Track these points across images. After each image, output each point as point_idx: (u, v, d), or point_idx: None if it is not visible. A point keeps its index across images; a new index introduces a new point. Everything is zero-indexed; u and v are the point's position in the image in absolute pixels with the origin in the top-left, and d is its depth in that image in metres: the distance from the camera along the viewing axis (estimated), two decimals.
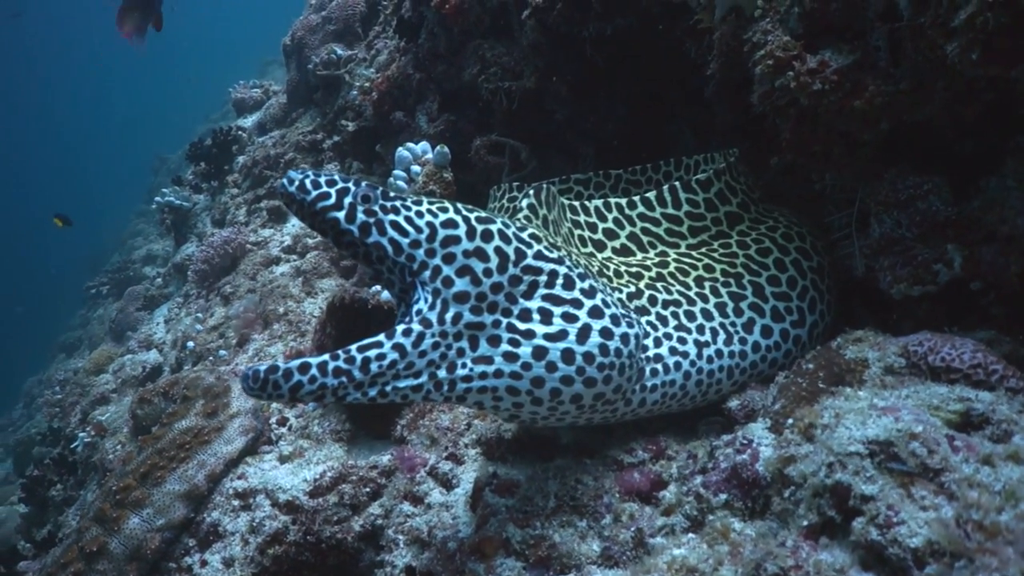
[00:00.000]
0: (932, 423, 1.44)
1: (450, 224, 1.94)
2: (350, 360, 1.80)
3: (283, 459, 3.24)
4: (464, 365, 1.92)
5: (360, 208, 1.88)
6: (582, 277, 2.06)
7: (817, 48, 2.00)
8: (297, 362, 1.76)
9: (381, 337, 1.85)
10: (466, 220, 1.96)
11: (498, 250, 1.95)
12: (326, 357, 1.79)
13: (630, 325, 2.07)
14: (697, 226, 2.55)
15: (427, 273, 1.90)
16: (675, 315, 2.26)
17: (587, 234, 2.44)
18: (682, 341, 2.21)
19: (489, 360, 1.93)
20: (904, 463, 1.36)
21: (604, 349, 1.98)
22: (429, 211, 1.95)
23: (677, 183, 2.55)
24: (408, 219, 1.92)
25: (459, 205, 2.03)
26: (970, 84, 1.84)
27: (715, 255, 2.49)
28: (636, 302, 2.24)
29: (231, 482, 3.12)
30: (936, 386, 1.64)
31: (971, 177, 2.02)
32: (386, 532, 2.72)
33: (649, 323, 2.22)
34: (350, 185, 1.90)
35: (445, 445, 2.91)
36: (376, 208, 1.90)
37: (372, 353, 1.82)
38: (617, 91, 3.87)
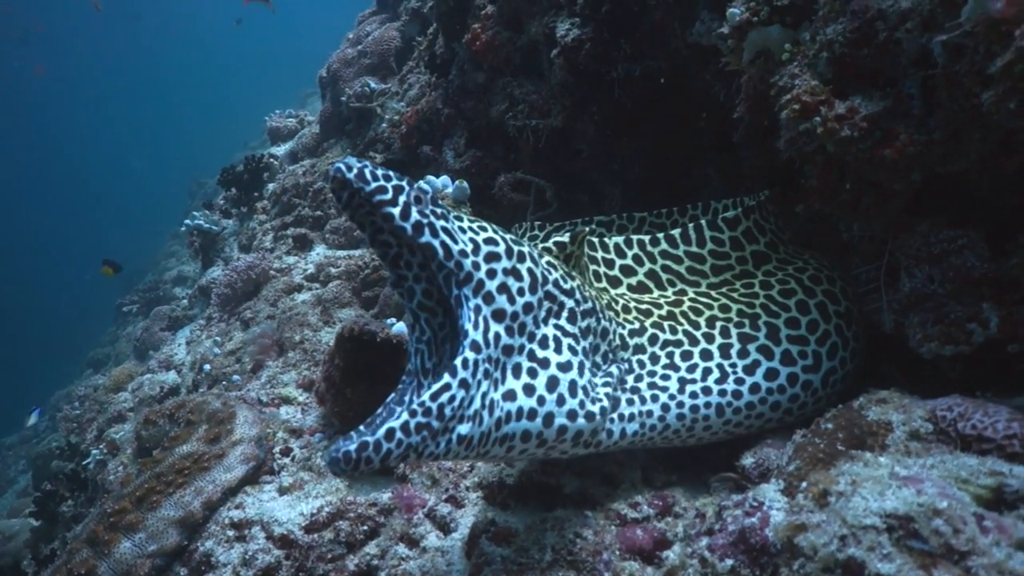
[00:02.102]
0: (959, 498, 1.32)
1: (492, 241, 1.97)
2: (427, 412, 1.74)
3: (283, 490, 3.15)
4: (497, 404, 1.88)
5: (415, 207, 1.87)
6: (585, 315, 2.09)
7: (847, 94, 1.92)
8: (382, 431, 1.69)
9: (446, 379, 1.79)
10: (504, 239, 2.01)
11: (530, 271, 2.00)
12: (405, 417, 1.72)
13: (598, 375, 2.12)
14: (720, 265, 2.49)
15: (471, 286, 1.89)
16: (670, 355, 2.24)
17: (602, 270, 2.41)
18: (665, 378, 2.21)
19: (512, 396, 1.90)
20: (926, 542, 1.24)
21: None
22: (470, 228, 1.99)
23: (703, 221, 2.49)
24: (454, 229, 1.94)
25: (495, 226, 2.06)
26: (1009, 135, 1.74)
27: (735, 295, 2.43)
28: (636, 339, 2.24)
29: (227, 511, 3.03)
30: (965, 457, 1.51)
31: (1009, 233, 1.90)
32: (379, 574, 2.61)
33: (639, 360, 2.23)
34: (404, 184, 1.88)
35: (446, 487, 2.81)
36: (428, 211, 1.90)
37: (444, 397, 1.77)
38: (644, 132, 3.82)
